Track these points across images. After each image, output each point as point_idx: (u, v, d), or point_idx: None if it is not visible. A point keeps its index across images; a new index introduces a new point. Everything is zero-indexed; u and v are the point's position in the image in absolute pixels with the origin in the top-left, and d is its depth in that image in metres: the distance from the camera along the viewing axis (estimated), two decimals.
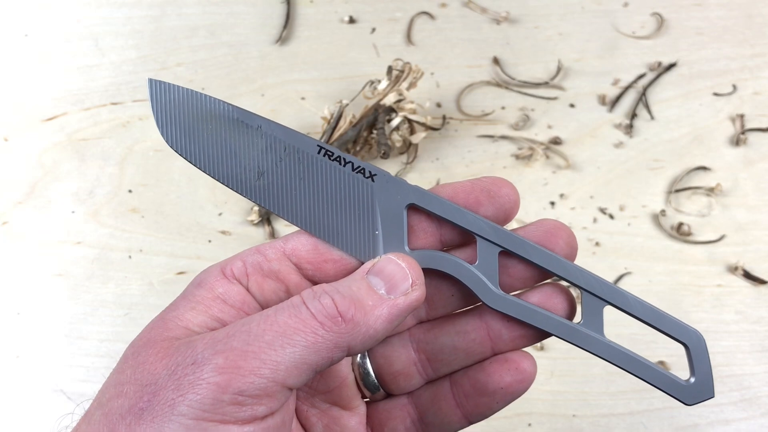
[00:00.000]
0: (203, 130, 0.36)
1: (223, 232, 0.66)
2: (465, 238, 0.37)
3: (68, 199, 0.68)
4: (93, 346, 0.62)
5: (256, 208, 0.66)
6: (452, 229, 0.37)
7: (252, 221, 0.66)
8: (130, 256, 0.65)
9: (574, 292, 0.38)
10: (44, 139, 0.70)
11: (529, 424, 0.59)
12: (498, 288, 0.36)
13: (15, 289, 0.64)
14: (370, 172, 0.36)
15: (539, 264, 0.36)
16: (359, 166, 0.36)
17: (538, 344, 0.62)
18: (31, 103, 0.72)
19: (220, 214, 0.67)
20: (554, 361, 0.61)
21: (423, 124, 0.68)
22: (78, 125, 0.71)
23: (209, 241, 0.66)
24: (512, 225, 0.38)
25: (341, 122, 0.67)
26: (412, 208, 0.36)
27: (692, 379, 0.36)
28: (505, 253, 0.36)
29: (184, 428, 0.29)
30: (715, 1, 0.77)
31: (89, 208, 0.67)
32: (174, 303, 0.34)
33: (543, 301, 0.37)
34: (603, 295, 0.36)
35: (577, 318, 0.37)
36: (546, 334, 0.37)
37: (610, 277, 0.64)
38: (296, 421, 0.38)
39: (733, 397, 0.60)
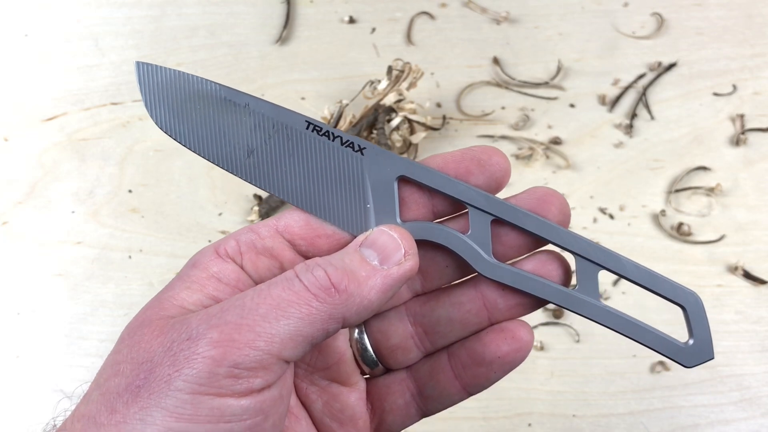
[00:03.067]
0: (191, 110, 0.36)
1: (223, 232, 0.66)
2: (457, 208, 0.37)
3: (68, 199, 0.68)
4: (93, 346, 0.62)
5: (256, 208, 0.66)
6: (444, 200, 0.37)
7: (252, 221, 0.66)
8: (130, 256, 0.65)
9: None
10: (44, 139, 0.70)
11: (529, 424, 0.59)
12: (491, 257, 0.36)
13: (15, 289, 0.64)
14: (359, 146, 0.36)
15: (532, 231, 0.36)
16: (348, 140, 0.36)
17: (538, 344, 0.62)
18: (31, 103, 0.72)
19: (220, 214, 0.67)
20: (554, 361, 0.61)
21: (423, 124, 0.68)
22: (78, 125, 0.71)
23: (209, 241, 0.66)
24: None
25: (341, 122, 0.67)
26: (403, 180, 0.36)
27: (691, 341, 0.36)
28: (498, 222, 0.36)
29: (180, 403, 0.29)
30: (715, 1, 0.77)
31: (89, 208, 0.67)
32: (169, 284, 0.35)
33: (537, 268, 0.37)
34: (597, 259, 0.36)
35: (573, 285, 0.36)
36: (542, 302, 0.37)
37: (610, 277, 0.64)
38: (296, 399, 0.38)
39: (733, 397, 0.60)
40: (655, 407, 0.60)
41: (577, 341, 0.62)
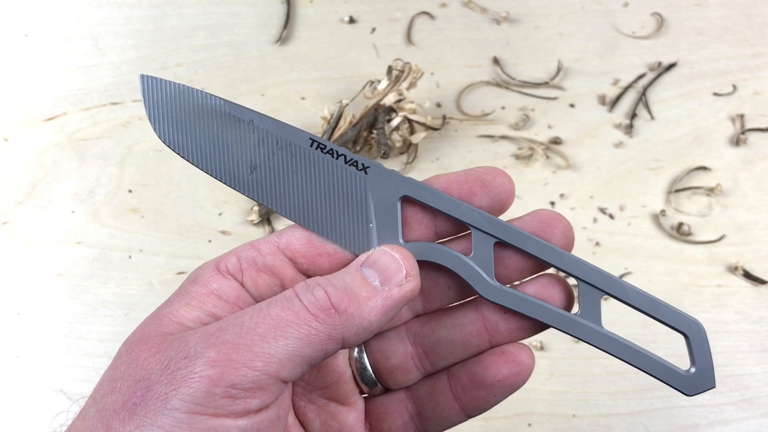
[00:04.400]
0: (195, 125, 0.36)
1: (223, 232, 0.66)
2: (460, 229, 0.37)
3: (68, 199, 0.68)
4: (93, 346, 0.62)
5: (257, 208, 0.66)
6: (447, 221, 0.37)
7: (252, 221, 0.66)
8: (130, 256, 0.65)
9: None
10: (44, 139, 0.70)
11: (529, 424, 0.59)
12: (494, 279, 0.36)
13: (15, 289, 0.64)
14: (363, 165, 0.36)
15: (535, 254, 0.36)
16: (352, 159, 0.36)
17: (538, 344, 0.62)
18: (31, 103, 0.72)
19: (220, 214, 0.67)
20: (554, 361, 0.61)
21: (423, 124, 0.68)
22: (78, 125, 0.71)
23: (209, 241, 0.66)
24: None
25: (341, 122, 0.67)
26: (406, 200, 0.36)
27: (692, 369, 0.36)
28: (501, 244, 0.36)
29: (177, 422, 0.29)
30: (715, 1, 0.77)
31: (89, 208, 0.67)
32: (168, 299, 0.34)
33: (540, 292, 0.36)
34: (600, 285, 0.36)
35: (575, 309, 0.36)
36: (543, 326, 0.36)
37: None
38: (294, 418, 0.38)
39: (733, 397, 0.60)
40: (655, 407, 0.60)
41: (577, 341, 0.62)
